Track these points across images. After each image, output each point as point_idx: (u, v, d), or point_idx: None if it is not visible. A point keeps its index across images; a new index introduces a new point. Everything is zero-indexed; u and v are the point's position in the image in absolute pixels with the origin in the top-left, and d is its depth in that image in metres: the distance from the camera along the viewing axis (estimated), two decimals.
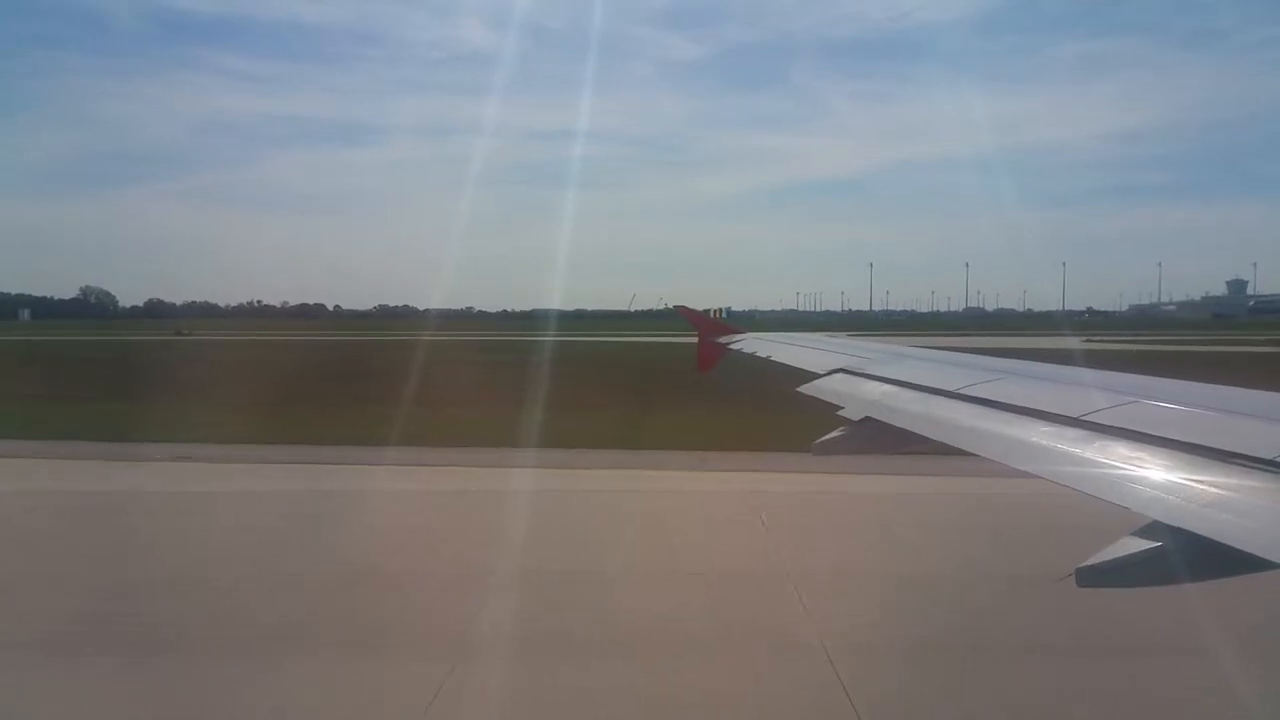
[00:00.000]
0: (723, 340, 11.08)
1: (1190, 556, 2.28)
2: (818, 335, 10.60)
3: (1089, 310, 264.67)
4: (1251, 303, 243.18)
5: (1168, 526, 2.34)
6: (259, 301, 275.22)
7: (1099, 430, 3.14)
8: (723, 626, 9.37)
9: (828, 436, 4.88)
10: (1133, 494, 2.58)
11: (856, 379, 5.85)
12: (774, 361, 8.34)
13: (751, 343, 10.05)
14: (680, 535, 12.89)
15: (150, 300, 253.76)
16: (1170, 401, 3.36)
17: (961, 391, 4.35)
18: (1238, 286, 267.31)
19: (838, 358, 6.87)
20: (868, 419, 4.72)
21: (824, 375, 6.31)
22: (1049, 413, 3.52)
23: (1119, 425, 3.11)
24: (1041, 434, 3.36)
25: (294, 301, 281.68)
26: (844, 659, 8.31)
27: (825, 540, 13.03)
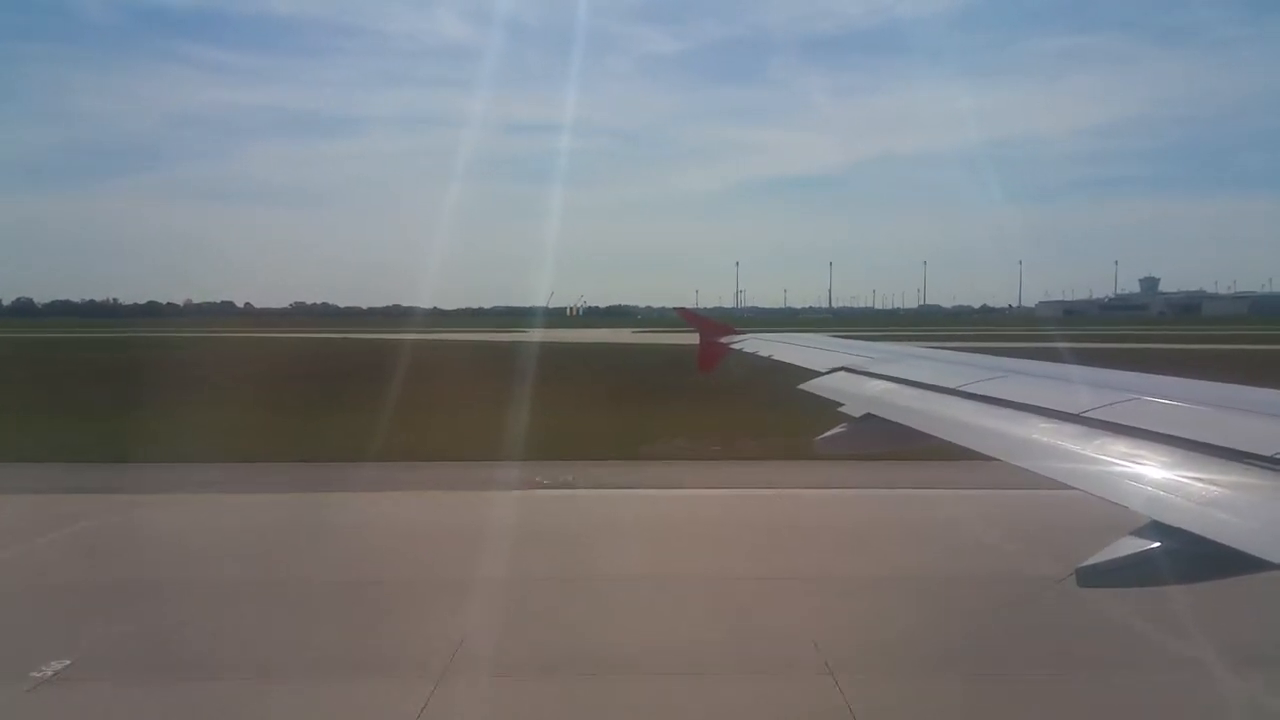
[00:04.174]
0: (724, 340, 11.07)
1: (1190, 556, 2.27)
2: (820, 335, 10.58)
3: (983, 307, 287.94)
4: (1106, 300, 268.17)
5: (1168, 526, 2.32)
6: (161, 301, 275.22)
7: (1099, 427, 3.13)
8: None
9: (830, 433, 4.87)
10: (1133, 493, 2.57)
11: (858, 377, 5.85)
12: (775, 360, 8.33)
13: (753, 343, 10.04)
14: None
15: (55, 301, 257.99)
16: (1169, 398, 3.34)
17: (962, 389, 4.34)
18: (1149, 284, 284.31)
19: (839, 357, 6.87)
20: (869, 416, 4.71)
21: (825, 374, 6.31)
22: (1049, 409, 3.50)
23: (1119, 422, 3.09)
24: (1041, 431, 3.35)
25: (198, 300, 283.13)
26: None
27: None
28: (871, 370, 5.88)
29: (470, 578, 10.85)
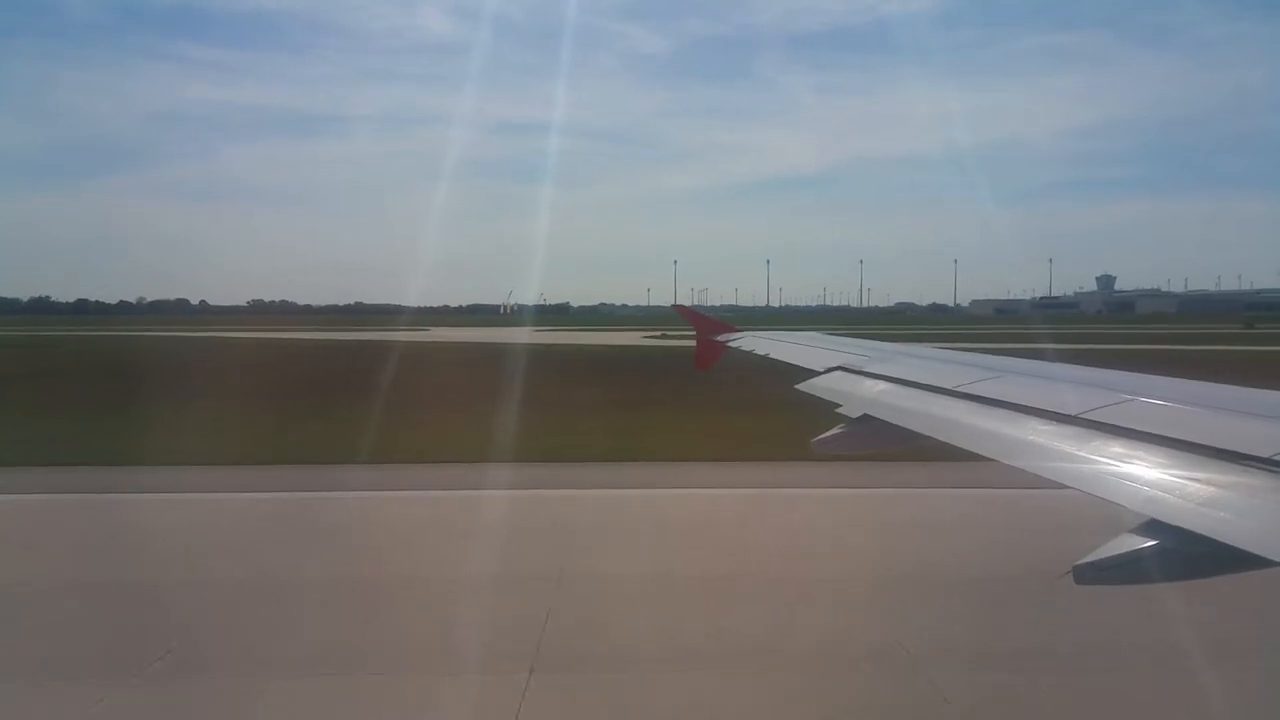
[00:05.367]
0: (721, 338, 11.05)
1: (1186, 554, 2.29)
2: (816, 333, 10.58)
3: (932, 305, 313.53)
4: (1036, 299, 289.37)
5: (1165, 525, 2.34)
6: (91, 299, 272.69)
7: (1096, 428, 3.15)
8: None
9: (827, 434, 4.87)
10: (1130, 492, 2.59)
11: (855, 377, 5.85)
12: (772, 359, 8.33)
13: (750, 340, 10.04)
14: None
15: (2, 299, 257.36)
16: (1167, 399, 3.37)
17: (960, 389, 4.36)
18: (1106, 282, 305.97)
19: (836, 355, 6.87)
20: (866, 416, 4.72)
21: (822, 373, 6.31)
22: (1047, 410, 3.53)
23: (1116, 423, 3.11)
24: (1039, 432, 3.37)
25: (152, 297, 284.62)
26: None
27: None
28: (868, 370, 5.89)
29: None
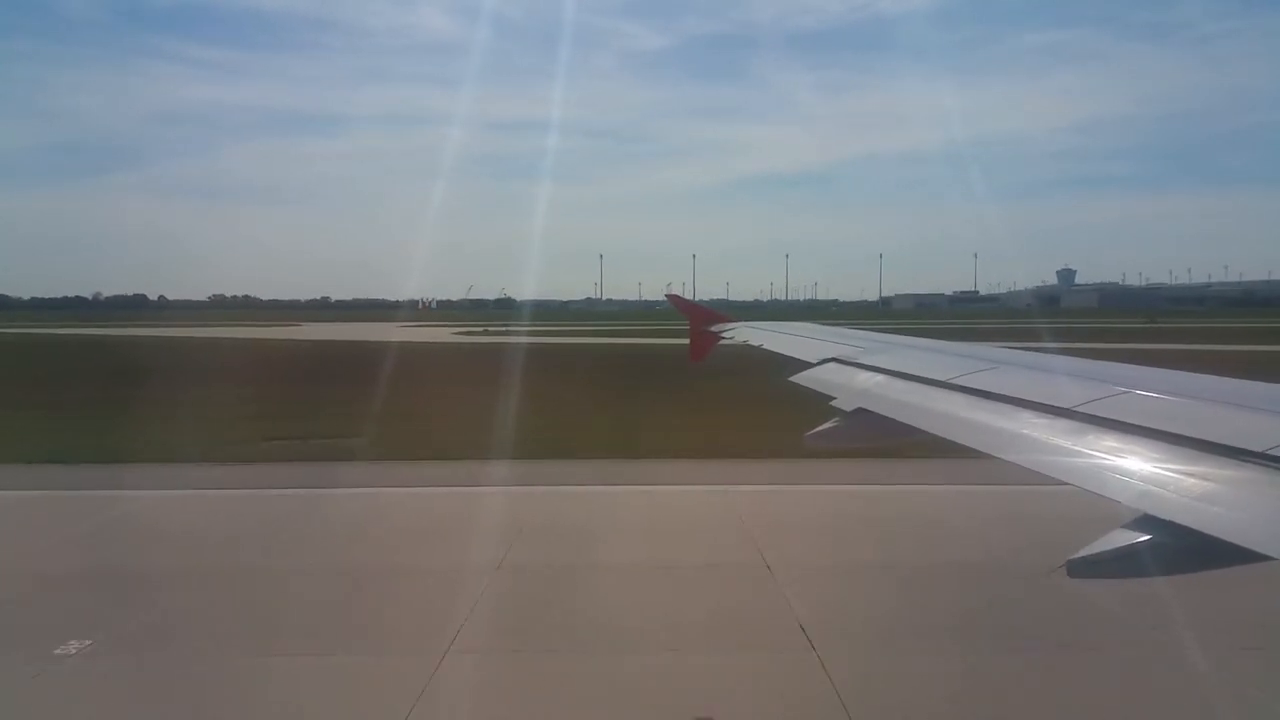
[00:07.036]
0: (714, 329, 11.02)
1: (1179, 548, 2.28)
2: (809, 324, 10.55)
3: (884, 298, 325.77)
4: (950, 294, 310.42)
5: (1158, 520, 2.33)
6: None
7: (1091, 422, 3.14)
8: None
9: (820, 428, 4.84)
10: (1124, 487, 2.58)
11: (849, 368, 5.82)
12: (766, 350, 8.30)
13: (743, 331, 10.02)
14: None
15: None
16: (1162, 392, 3.35)
17: (954, 381, 4.33)
18: (1066, 276, 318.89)
19: (830, 346, 6.84)
20: (860, 410, 4.70)
21: (816, 364, 6.28)
22: (1041, 403, 3.51)
23: (1111, 416, 3.10)
24: (1033, 425, 3.36)
25: (108, 293, 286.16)
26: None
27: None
28: (862, 361, 5.85)
29: None
